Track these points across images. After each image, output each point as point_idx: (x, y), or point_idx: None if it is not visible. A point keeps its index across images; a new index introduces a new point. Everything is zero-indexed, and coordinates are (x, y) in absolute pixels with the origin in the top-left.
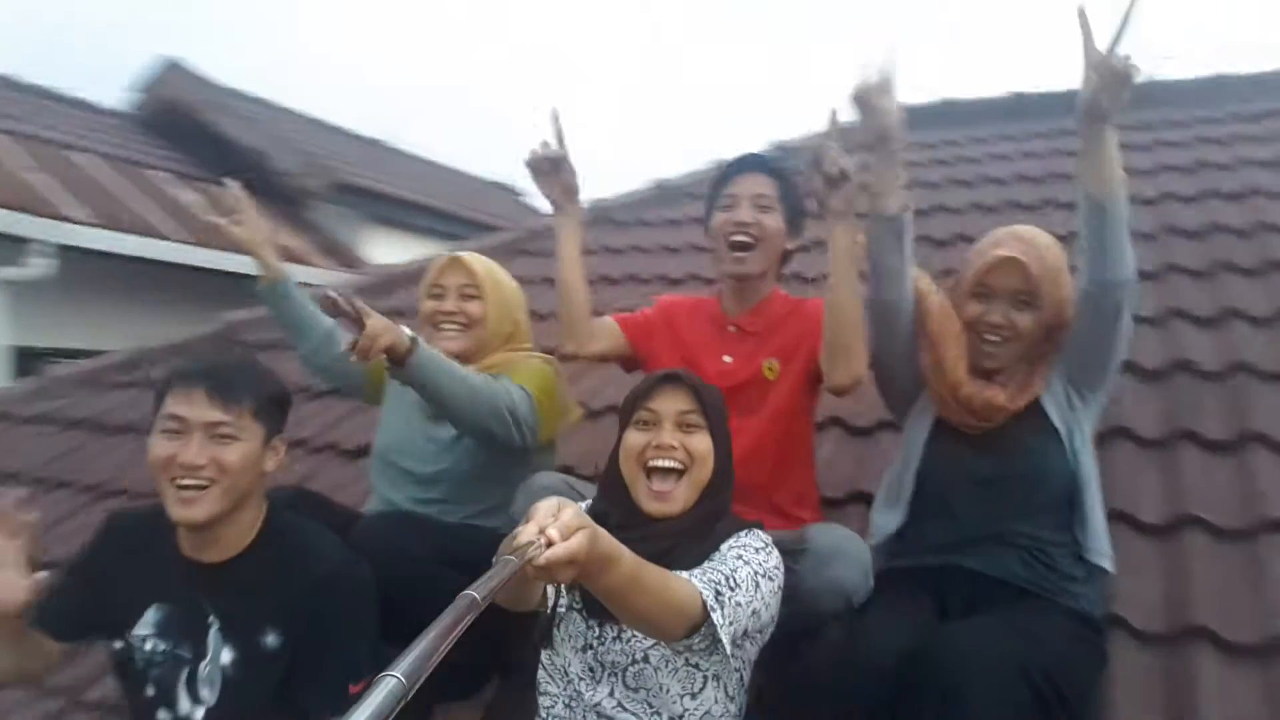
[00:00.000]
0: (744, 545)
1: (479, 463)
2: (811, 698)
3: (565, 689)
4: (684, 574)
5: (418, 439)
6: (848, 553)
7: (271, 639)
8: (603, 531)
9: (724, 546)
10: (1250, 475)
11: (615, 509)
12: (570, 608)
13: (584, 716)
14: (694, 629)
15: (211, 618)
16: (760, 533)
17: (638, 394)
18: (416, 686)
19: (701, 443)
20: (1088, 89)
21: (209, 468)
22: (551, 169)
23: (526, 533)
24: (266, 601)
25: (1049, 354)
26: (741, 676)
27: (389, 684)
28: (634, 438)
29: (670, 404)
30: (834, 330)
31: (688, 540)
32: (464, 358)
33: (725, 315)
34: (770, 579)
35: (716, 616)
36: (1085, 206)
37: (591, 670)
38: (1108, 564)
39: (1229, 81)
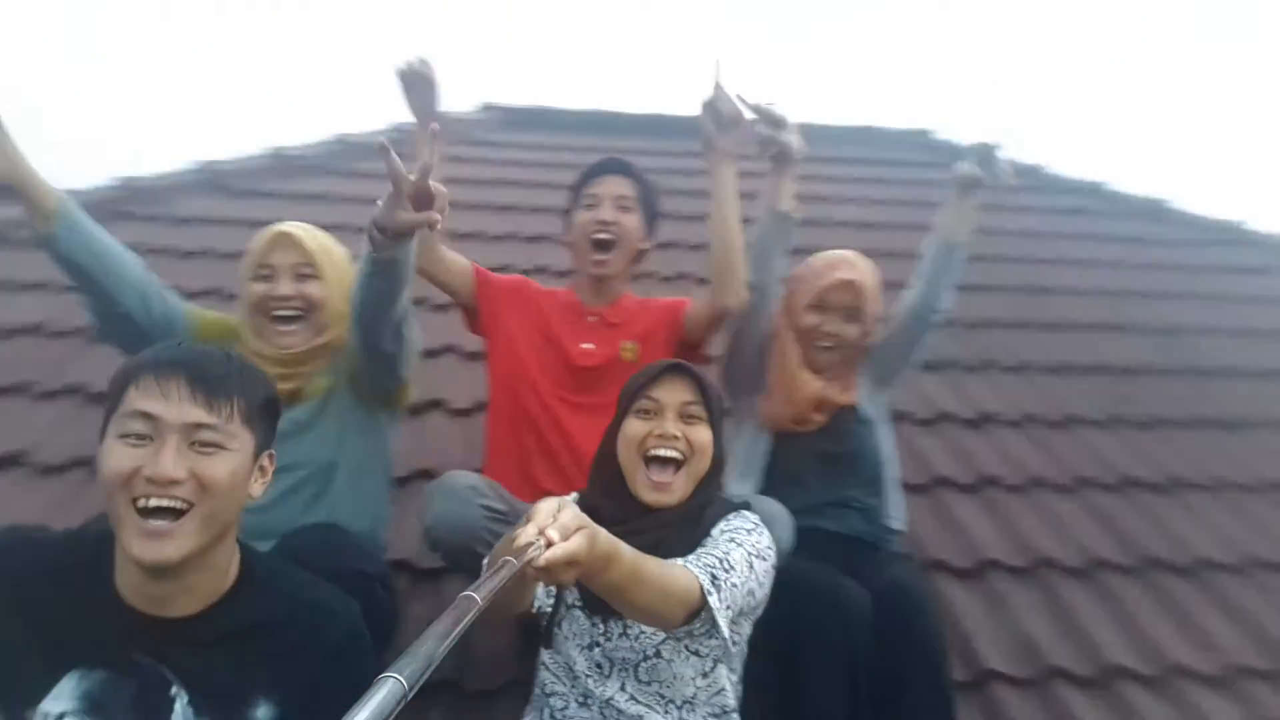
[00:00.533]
0: (735, 528)
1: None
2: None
3: (573, 687)
4: (679, 561)
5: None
6: (781, 518)
7: (263, 712)
8: (601, 530)
9: (715, 530)
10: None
11: (608, 500)
12: (571, 606)
13: (601, 712)
14: (693, 615)
15: (176, 688)
16: (748, 514)
17: (640, 382)
18: (417, 688)
19: (703, 434)
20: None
21: (187, 484)
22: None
23: (526, 534)
24: (258, 665)
25: (861, 357)
26: (741, 652)
27: (389, 685)
28: (636, 426)
29: (673, 394)
30: (722, 254)
31: (680, 528)
32: (304, 355)
33: (584, 305)
34: (763, 559)
35: (713, 600)
36: (938, 244)
37: (599, 666)
38: (900, 524)
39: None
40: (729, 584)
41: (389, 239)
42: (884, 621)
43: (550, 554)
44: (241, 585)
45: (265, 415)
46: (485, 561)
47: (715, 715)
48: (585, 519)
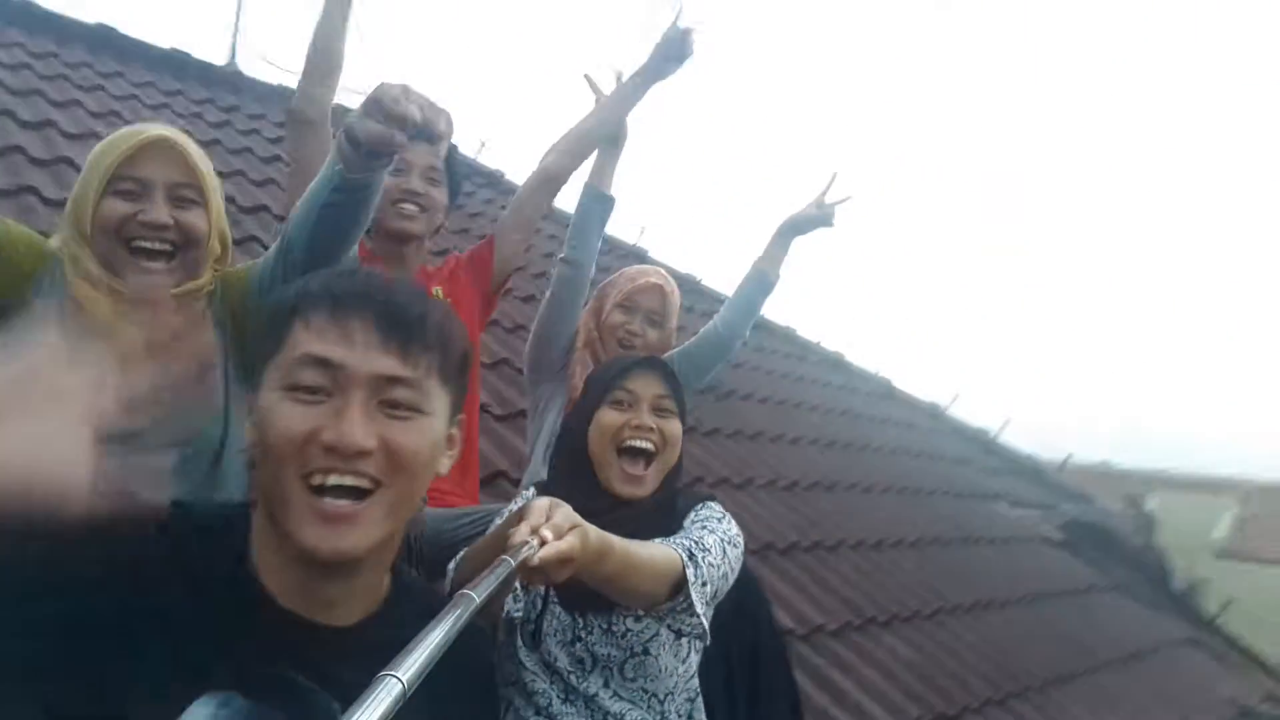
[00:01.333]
0: (705, 518)
1: None
2: None
3: (553, 683)
4: (658, 541)
5: None
6: None
7: None
8: (592, 527)
9: (687, 521)
10: None
11: (576, 491)
12: (550, 602)
13: (585, 707)
14: (677, 589)
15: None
16: (715, 505)
17: (612, 373)
18: (415, 687)
19: (675, 427)
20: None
21: (377, 457)
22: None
23: (520, 533)
24: (433, 712)
25: None
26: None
27: (389, 685)
28: (610, 416)
29: (647, 387)
30: (574, 147)
31: (653, 518)
32: (170, 301)
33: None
34: (735, 545)
35: (690, 573)
36: (757, 277)
37: (580, 662)
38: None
39: None
40: (706, 562)
41: (365, 156)
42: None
43: (544, 553)
44: (396, 586)
45: (461, 372)
46: (458, 558)
47: (690, 699)
48: (578, 518)
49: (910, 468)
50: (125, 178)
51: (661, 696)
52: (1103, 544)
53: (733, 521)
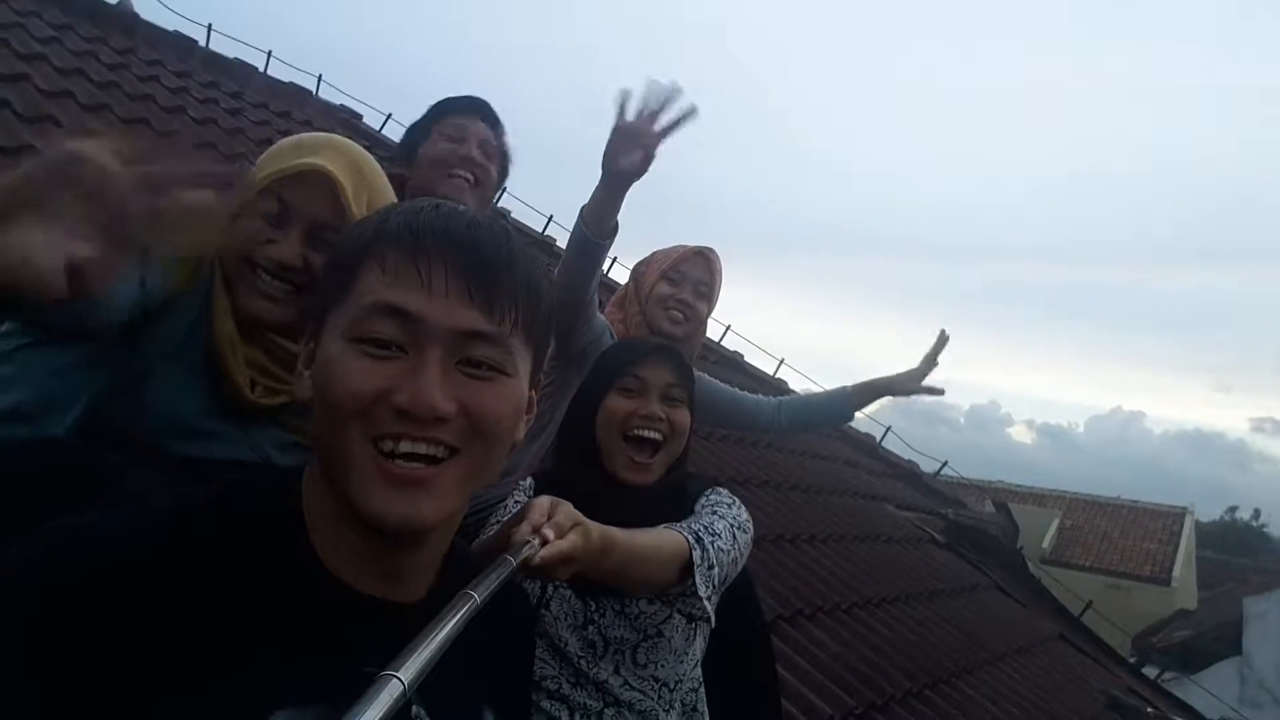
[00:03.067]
0: (715, 503)
1: None
2: None
3: (563, 669)
4: (666, 527)
5: None
6: None
7: (489, 716)
8: (594, 525)
9: (698, 505)
10: None
11: (582, 476)
12: (559, 586)
13: (594, 694)
14: (687, 572)
15: (416, 709)
16: (723, 490)
17: (623, 359)
18: (415, 687)
19: (684, 417)
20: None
21: (456, 423)
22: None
23: (521, 531)
24: (476, 662)
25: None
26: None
27: (389, 684)
28: (619, 403)
29: (659, 374)
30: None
31: (663, 504)
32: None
33: None
34: (745, 531)
35: (696, 555)
36: (835, 412)
37: (592, 646)
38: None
39: None
40: (715, 547)
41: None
42: None
43: (546, 552)
44: (451, 554)
45: (547, 328)
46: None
47: (694, 688)
48: (579, 515)
49: (810, 468)
50: (273, 194)
51: (671, 685)
52: (979, 546)
53: (743, 507)
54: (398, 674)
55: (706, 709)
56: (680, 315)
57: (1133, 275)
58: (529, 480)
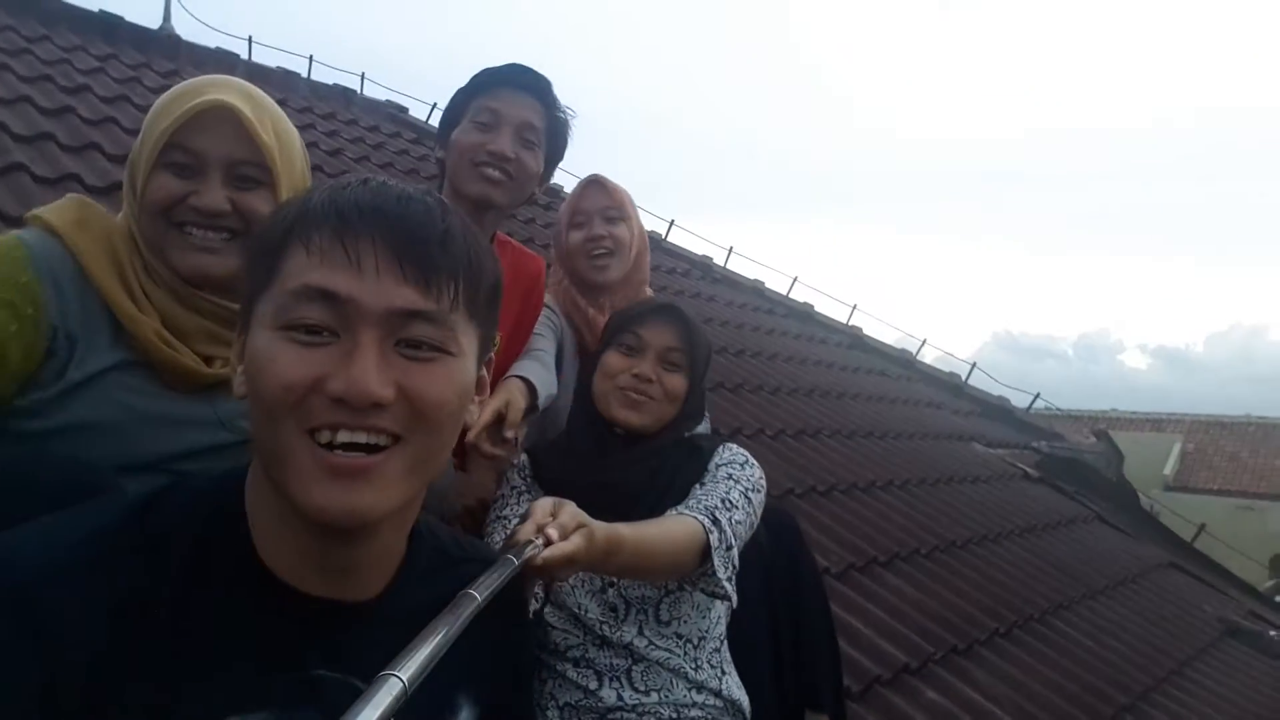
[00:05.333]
0: (729, 462)
1: None
2: None
3: (587, 636)
4: (675, 511)
5: None
6: None
7: (465, 717)
8: (600, 525)
9: (712, 465)
10: None
11: (587, 435)
12: None
13: (622, 653)
14: (705, 555)
15: None
16: (737, 447)
17: (628, 316)
18: (415, 686)
19: (678, 384)
20: None
21: (396, 408)
22: None
23: (525, 531)
24: (451, 655)
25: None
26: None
27: (390, 684)
28: (615, 360)
29: (659, 336)
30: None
31: (677, 458)
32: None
33: None
34: (758, 491)
35: (713, 538)
36: None
37: (614, 609)
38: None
39: None
40: (731, 521)
41: None
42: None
43: (548, 553)
44: (414, 548)
45: (492, 303)
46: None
47: (717, 648)
48: (583, 516)
49: (886, 413)
50: (178, 146)
51: (695, 642)
52: (1078, 478)
53: (755, 466)
54: (398, 674)
55: (734, 670)
56: (602, 254)
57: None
58: (524, 458)
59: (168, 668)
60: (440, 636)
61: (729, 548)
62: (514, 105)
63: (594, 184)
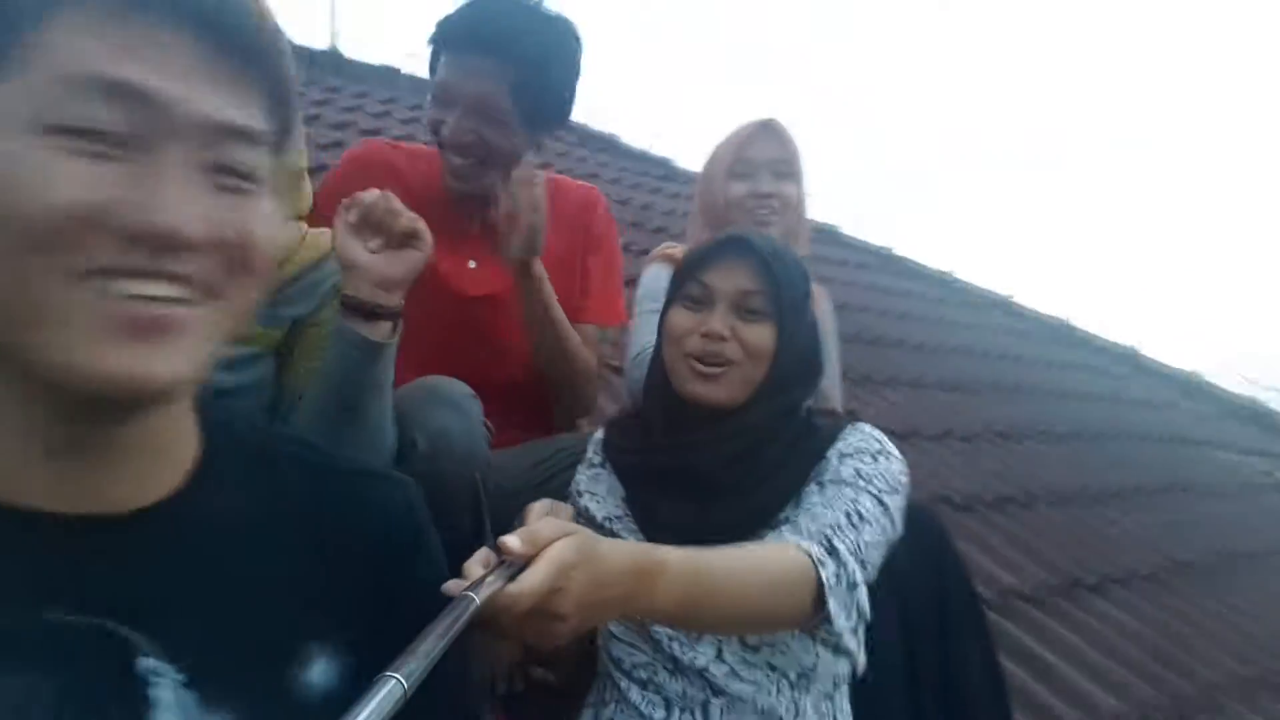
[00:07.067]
0: (858, 451)
1: None
2: None
3: (656, 654)
4: (773, 536)
5: None
6: None
7: (319, 672)
8: (619, 544)
9: (833, 453)
10: None
11: (659, 411)
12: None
13: (697, 682)
14: (819, 600)
15: (150, 660)
16: (870, 428)
17: (692, 261)
18: (414, 688)
19: (761, 336)
20: None
21: (205, 254)
22: None
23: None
24: (293, 588)
25: None
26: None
27: (389, 685)
28: (679, 319)
29: (730, 279)
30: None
31: (779, 442)
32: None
33: (456, 202)
34: (896, 492)
35: (826, 574)
36: None
37: None
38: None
39: None
40: (859, 546)
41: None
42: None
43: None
44: (216, 450)
45: (291, 108)
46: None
47: (829, 693)
48: (574, 526)
49: (1101, 412)
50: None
51: (793, 679)
52: None
53: (894, 455)
54: (397, 674)
55: None
56: (767, 213)
57: None
58: (599, 432)
59: None
60: (438, 637)
61: (852, 586)
62: (466, 76)
63: (767, 130)
